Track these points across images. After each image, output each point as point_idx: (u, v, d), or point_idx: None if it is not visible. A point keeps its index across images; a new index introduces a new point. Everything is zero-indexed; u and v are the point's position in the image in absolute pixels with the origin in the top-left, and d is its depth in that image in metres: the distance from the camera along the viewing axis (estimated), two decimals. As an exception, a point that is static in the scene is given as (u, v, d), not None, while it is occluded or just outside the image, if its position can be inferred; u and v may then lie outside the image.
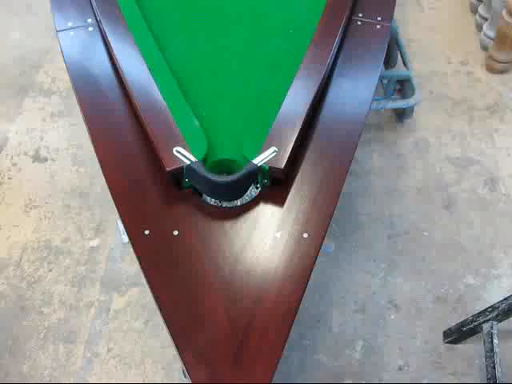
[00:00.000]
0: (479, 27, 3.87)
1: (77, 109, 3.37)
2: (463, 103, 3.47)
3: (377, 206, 2.95)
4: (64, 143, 3.27)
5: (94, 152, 3.10)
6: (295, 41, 1.95)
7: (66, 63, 1.93)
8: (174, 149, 1.57)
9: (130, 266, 2.73)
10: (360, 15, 2.04)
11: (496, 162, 3.14)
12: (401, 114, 3.31)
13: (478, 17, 3.91)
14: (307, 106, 1.72)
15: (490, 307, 2.21)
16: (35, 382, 2.41)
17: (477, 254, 2.76)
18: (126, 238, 2.77)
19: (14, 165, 3.17)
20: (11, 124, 3.39)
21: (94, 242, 2.83)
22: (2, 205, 2.99)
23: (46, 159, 3.20)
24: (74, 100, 3.40)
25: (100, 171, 3.02)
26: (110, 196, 2.92)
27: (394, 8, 2.12)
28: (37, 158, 3.20)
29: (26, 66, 3.76)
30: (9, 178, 3.11)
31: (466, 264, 2.73)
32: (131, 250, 2.68)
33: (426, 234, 2.84)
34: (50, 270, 2.74)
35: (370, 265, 2.73)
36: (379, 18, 2.04)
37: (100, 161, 1.68)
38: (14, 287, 2.68)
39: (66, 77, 3.56)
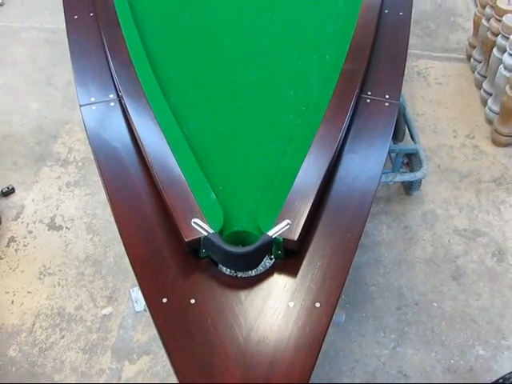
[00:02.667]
0: (484, 102, 3.98)
1: (92, 179, 3.52)
2: (470, 176, 3.55)
3: (386, 278, 2.99)
4: (79, 212, 3.35)
5: (108, 221, 3.22)
6: (308, 117, 2.04)
7: (88, 136, 2.02)
8: (192, 220, 1.64)
9: (142, 334, 2.76)
10: (369, 93, 2.14)
11: (503, 234, 3.18)
12: (409, 187, 3.38)
13: (482, 92, 4.03)
14: (319, 181, 1.79)
15: (500, 378, 2.22)
16: None
17: (486, 324, 2.78)
18: (138, 307, 2.82)
19: (30, 232, 3.24)
20: (28, 192, 3.48)
21: (107, 310, 2.86)
22: (17, 271, 3.05)
23: (61, 227, 3.27)
24: (89, 170, 3.56)
25: (113, 240, 3.13)
26: (123, 265, 3.01)
27: (401, 87, 2.22)
28: (52, 226, 3.27)
29: (44, 136, 3.87)
30: (24, 245, 3.17)
31: (475, 335, 2.74)
32: (143, 318, 2.75)
33: (435, 304, 2.86)
34: (62, 337, 2.76)
35: (380, 335, 2.75)
36: (387, 96, 2.13)
37: (119, 229, 1.74)
38: (26, 353, 2.71)
39: (83, 148, 3.73)
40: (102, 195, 3.41)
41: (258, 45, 2.42)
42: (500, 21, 3.70)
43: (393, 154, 3.30)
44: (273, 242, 1.63)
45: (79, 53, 2.35)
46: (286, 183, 1.79)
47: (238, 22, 2.55)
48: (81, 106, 2.13)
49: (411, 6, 2.61)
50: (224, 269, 1.65)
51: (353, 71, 2.13)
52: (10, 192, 3.46)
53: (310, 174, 1.82)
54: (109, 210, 3.21)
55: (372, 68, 2.23)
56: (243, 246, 1.63)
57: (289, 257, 1.66)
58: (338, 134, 1.92)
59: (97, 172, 3.42)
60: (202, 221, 1.64)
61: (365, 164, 1.94)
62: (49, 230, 3.26)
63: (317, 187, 1.77)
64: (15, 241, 3.19)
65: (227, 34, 2.49)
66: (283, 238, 1.63)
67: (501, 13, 3.72)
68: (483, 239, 3.17)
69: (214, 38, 2.46)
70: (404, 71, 2.30)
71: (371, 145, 1.99)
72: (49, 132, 3.90)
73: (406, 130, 3.46)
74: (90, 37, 2.39)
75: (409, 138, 3.41)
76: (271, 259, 1.68)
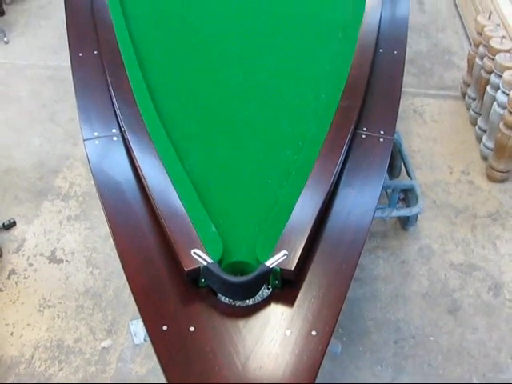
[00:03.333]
0: (479, 138, 4.06)
1: (93, 213, 3.57)
2: (466, 211, 3.60)
3: (383, 312, 3.02)
4: (79, 246, 3.38)
5: (108, 255, 3.26)
6: (304, 153, 2.10)
7: (91, 169, 2.07)
8: (192, 251, 1.68)
9: (141, 367, 2.77)
10: (364, 129, 2.20)
11: (499, 268, 3.22)
12: (405, 222, 3.43)
13: (477, 129, 4.11)
14: (315, 214, 1.84)
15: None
16: None
17: (483, 358, 2.80)
18: (137, 340, 2.84)
19: (31, 265, 3.27)
20: (29, 225, 3.52)
21: (106, 343, 2.88)
22: (17, 303, 3.07)
23: (61, 260, 3.30)
24: (90, 205, 3.61)
25: (113, 274, 3.17)
26: (122, 298, 3.04)
27: (395, 123, 2.28)
28: (52, 259, 3.31)
29: (45, 170, 3.93)
30: (24, 278, 3.20)
31: (472, 368, 2.76)
32: (142, 351, 2.77)
33: (431, 338, 2.88)
34: (61, 369, 2.78)
35: (377, 369, 2.76)
36: (382, 132, 2.19)
37: (122, 261, 1.78)
38: (25, 385, 2.73)
39: (84, 182, 3.79)
40: (103, 229, 3.46)
41: (258, 82, 2.49)
42: (493, 59, 3.80)
43: (389, 190, 3.36)
44: (270, 271, 1.67)
45: (83, 89, 2.42)
46: (283, 216, 1.84)
47: (237, 59, 2.63)
48: (84, 140, 2.19)
49: (405, 45, 2.69)
50: (223, 298, 1.69)
51: (348, 108, 2.20)
52: (11, 225, 3.50)
53: (306, 207, 1.87)
54: (109, 243, 3.31)
55: (367, 105, 2.30)
56: (242, 275, 1.67)
57: (286, 286, 1.70)
58: (334, 168, 1.98)
59: (97, 206, 3.53)
60: (202, 251, 1.68)
61: (360, 198, 1.99)
62: (49, 262, 3.29)
63: (313, 220, 1.82)
64: (16, 273, 3.22)
65: (227, 70, 2.57)
66: (280, 268, 1.68)
67: (494, 52, 3.82)
68: (479, 273, 3.20)
69: (215, 74, 2.54)
70: (398, 108, 2.37)
71: (366, 179, 2.05)
72: (50, 167, 3.96)
73: (402, 166, 3.53)
74: (94, 74, 2.46)
75: (405, 174, 3.48)
76: (268, 289, 1.72)
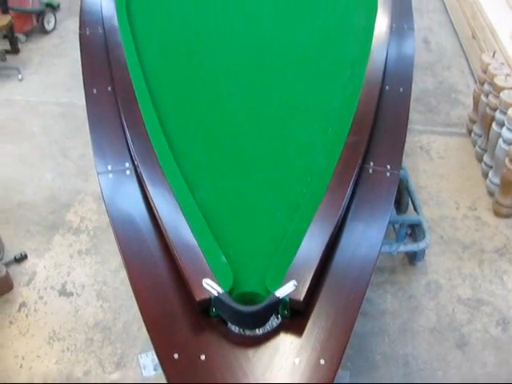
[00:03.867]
0: (485, 174, 4.10)
1: (103, 247, 3.61)
2: (473, 246, 3.62)
3: (391, 346, 3.03)
4: (90, 279, 3.42)
5: (117, 289, 3.29)
6: (313, 186, 2.15)
7: (104, 202, 2.12)
8: (204, 281, 1.72)
9: (150, 399, 2.79)
10: (371, 164, 2.25)
11: (507, 303, 3.24)
12: (413, 257, 3.45)
13: (483, 165, 4.16)
14: (323, 246, 1.88)
15: None
16: None
17: (492, 394, 2.80)
18: (145, 372, 2.85)
19: (41, 298, 3.31)
20: (40, 259, 3.56)
21: (115, 376, 2.90)
22: (27, 336, 3.10)
23: (71, 294, 3.33)
24: (100, 239, 3.66)
25: (123, 307, 3.20)
26: (131, 331, 3.07)
27: (401, 158, 2.33)
28: (63, 293, 3.34)
29: (57, 205, 3.99)
30: (35, 310, 3.23)
31: (480, 404, 2.76)
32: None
33: (440, 373, 2.89)
34: (71, 402, 2.80)
35: (386, 403, 2.77)
36: (389, 167, 2.24)
37: (134, 291, 1.81)
38: (34, 418, 2.74)
39: (95, 217, 3.84)
40: (113, 263, 3.50)
41: (267, 116, 2.56)
42: (498, 97, 3.87)
43: (397, 225, 3.40)
44: (280, 301, 1.70)
45: (97, 124, 2.48)
46: (292, 248, 1.88)
47: (247, 93, 2.70)
48: (98, 173, 2.24)
49: (411, 82, 2.76)
50: (233, 327, 1.72)
51: (356, 143, 2.25)
52: (22, 258, 3.55)
53: (314, 240, 1.91)
54: (119, 277, 3.35)
55: (374, 140, 2.35)
56: (252, 305, 1.70)
57: (295, 316, 1.73)
58: (342, 202, 2.02)
59: (108, 241, 3.58)
60: (213, 282, 1.72)
61: (367, 231, 2.03)
62: (59, 296, 3.32)
63: (321, 253, 1.86)
64: (26, 306, 3.26)
65: (237, 105, 2.63)
66: (290, 298, 1.71)
67: (498, 89, 3.89)
68: (487, 308, 3.21)
69: (224, 108, 2.61)
70: (404, 143, 2.41)
71: (373, 213, 2.09)
72: (62, 201, 4.02)
73: (410, 202, 3.57)
74: (107, 109, 2.53)
75: (412, 209, 3.52)
76: (278, 319, 1.75)
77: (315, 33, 3.09)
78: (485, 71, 4.20)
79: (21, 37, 5.94)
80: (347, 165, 2.16)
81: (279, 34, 3.07)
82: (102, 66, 2.77)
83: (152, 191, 2.07)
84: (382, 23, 3.05)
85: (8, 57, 5.69)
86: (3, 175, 4.24)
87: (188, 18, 3.24)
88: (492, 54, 4.32)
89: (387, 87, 2.65)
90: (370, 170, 2.22)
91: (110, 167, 2.26)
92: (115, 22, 3.02)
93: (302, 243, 1.90)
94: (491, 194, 3.98)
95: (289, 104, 2.60)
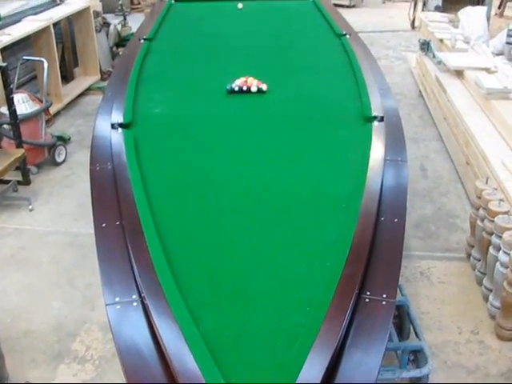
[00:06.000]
0: (486, 298, 4.16)
1: (107, 377, 3.67)
2: (477, 371, 3.63)
3: None
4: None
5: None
6: (312, 317, 2.23)
7: (112, 333, 2.20)
8: None
9: None
10: (368, 293, 2.33)
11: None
12: (417, 383, 3.45)
13: (483, 288, 4.22)
14: (322, 373, 1.94)
15: None
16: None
17: None
18: None
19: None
20: (43, 386, 3.58)
21: None
22: None
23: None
24: (105, 369, 3.70)
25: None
26: None
27: (397, 286, 2.43)
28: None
29: (63, 334, 4.03)
30: None
31: None
32: None
33: None
34: None
35: None
36: (384, 296, 2.32)
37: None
38: None
39: (100, 346, 3.89)
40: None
41: (269, 253, 2.67)
42: (493, 221, 3.99)
43: (399, 352, 3.43)
44: None
45: (106, 257, 2.60)
46: (291, 376, 1.95)
47: (249, 230, 2.83)
48: (106, 305, 2.33)
49: (405, 213, 2.88)
50: None
51: (352, 274, 2.35)
52: (26, 389, 3.56)
53: (313, 368, 1.97)
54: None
55: (370, 270, 2.44)
56: None
57: None
58: (339, 331, 2.10)
59: (112, 370, 3.60)
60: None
61: (365, 358, 2.09)
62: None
63: (320, 379, 1.92)
64: None
65: (240, 242, 2.76)
66: None
67: (493, 214, 4.02)
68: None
69: (228, 246, 2.73)
70: (399, 272, 2.52)
71: (371, 340, 2.15)
72: (68, 330, 4.07)
73: (411, 328, 3.62)
74: (115, 243, 2.65)
75: (414, 335, 3.56)
76: None
77: (313, 171, 3.28)
78: (479, 197, 4.36)
79: (32, 168, 6.19)
80: (344, 296, 2.25)
81: (278, 174, 3.26)
82: (111, 200, 2.92)
83: (157, 322, 2.16)
84: (376, 156, 3.23)
85: (20, 187, 5.90)
86: (11, 304, 4.32)
87: (194, 159, 3.44)
88: (485, 181, 4.49)
89: (382, 218, 2.78)
90: (367, 300, 2.31)
91: (117, 299, 2.35)
92: (124, 158, 3.21)
93: (301, 372, 1.96)
94: (493, 317, 4.01)
95: (288, 241, 2.73)
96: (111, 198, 2.96)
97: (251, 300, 2.41)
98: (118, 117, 3.71)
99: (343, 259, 2.42)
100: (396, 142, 3.50)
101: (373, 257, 2.52)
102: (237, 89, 4.14)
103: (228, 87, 4.15)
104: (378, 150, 3.29)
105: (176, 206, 2.97)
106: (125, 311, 2.30)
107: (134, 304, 2.32)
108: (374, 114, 3.69)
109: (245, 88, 4.13)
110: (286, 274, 2.52)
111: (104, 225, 2.78)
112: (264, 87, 4.16)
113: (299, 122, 3.85)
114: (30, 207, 5.59)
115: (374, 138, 3.43)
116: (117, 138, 3.48)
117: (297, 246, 2.68)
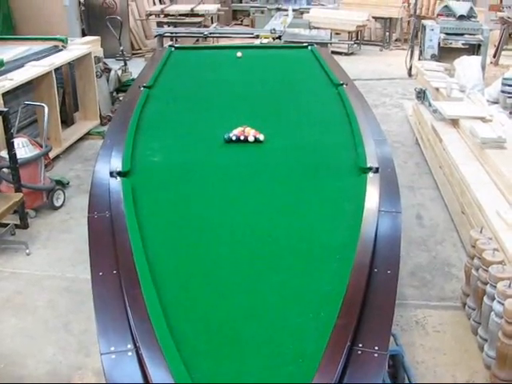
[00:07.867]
0: (481, 347, 4.14)
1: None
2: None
3: None
4: None
5: None
6: (304, 368, 2.27)
7: (106, 381, 2.23)
8: None
9: None
10: (360, 345, 2.36)
11: None
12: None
13: (479, 338, 4.21)
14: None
15: None
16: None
17: None
18: None
19: None
20: None
21: None
22: None
23: None
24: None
25: None
26: None
27: (389, 339, 2.45)
28: None
29: (56, 380, 4.01)
30: None
31: None
32: None
33: None
34: None
35: None
36: (376, 348, 2.35)
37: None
38: None
39: (100, 386, 3.85)
40: None
41: (264, 305, 2.70)
42: (487, 271, 4.01)
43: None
44: None
45: (102, 306, 2.62)
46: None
47: (245, 284, 2.86)
48: (101, 354, 2.35)
49: (398, 265, 2.91)
50: None
51: (344, 326, 2.39)
52: None
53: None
54: None
55: (363, 321, 2.47)
56: None
57: None
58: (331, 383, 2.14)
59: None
60: None
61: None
62: None
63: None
64: None
65: (236, 293, 2.79)
66: None
67: (487, 264, 4.04)
68: None
69: (224, 299, 2.75)
70: (391, 325, 2.54)
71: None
72: (62, 376, 4.04)
73: (406, 378, 3.62)
74: (112, 292, 2.68)
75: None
76: None
77: (308, 221, 3.32)
78: (474, 246, 4.38)
79: (31, 212, 6.21)
80: (336, 348, 2.28)
81: (274, 224, 3.30)
82: (109, 249, 2.96)
83: (152, 372, 2.19)
84: (370, 207, 3.28)
85: (17, 231, 5.92)
86: (6, 349, 4.30)
87: (191, 208, 3.50)
88: (480, 230, 4.52)
89: (375, 270, 2.82)
90: (359, 352, 2.33)
91: (112, 348, 2.38)
92: (122, 207, 3.26)
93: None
94: (488, 367, 3.99)
95: (283, 292, 2.76)
96: (108, 246, 2.99)
97: (245, 350, 2.43)
98: (116, 165, 3.78)
99: (336, 311, 2.46)
100: (390, 194, 3.55)
101: (366, 308, 2.55)
102: (234, 138, 4.21)
103: (226, 136, 4.23)
104: (372, 201, 3.35)
105: (172, 256, 3.01)
106: (120, 360, 2.32)
107: (129, 354, 2.35)
108: (369, 165, 3.76)
109: (242, 138, 4.21)
110: (280, 325, 2.55)
111: (101, 273, 2.81)
112: (261, 137, 4.24)
113: (295, 172, 3.92)
114: (27, 251, 5.60)
115: (368, 189, 3.49)
116: (115, 186, 3.53)
117: (292, 297, 2.71)
